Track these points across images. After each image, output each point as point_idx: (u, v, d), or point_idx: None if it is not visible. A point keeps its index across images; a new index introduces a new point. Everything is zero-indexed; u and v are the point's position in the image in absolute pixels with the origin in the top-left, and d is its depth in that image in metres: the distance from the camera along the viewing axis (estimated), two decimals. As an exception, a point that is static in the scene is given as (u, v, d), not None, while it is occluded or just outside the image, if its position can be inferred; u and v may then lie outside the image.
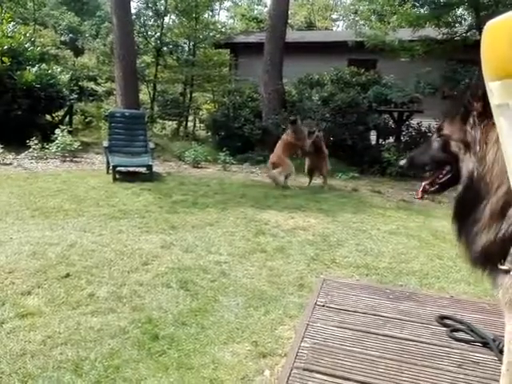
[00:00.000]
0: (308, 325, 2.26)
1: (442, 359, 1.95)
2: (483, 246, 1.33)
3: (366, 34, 11.19)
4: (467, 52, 8.31)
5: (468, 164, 1.38)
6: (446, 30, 10.44)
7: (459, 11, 11.19)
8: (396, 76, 10.01)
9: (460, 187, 1.44)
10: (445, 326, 2.23)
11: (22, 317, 2.62)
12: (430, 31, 10.57)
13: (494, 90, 0.96)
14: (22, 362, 2.20)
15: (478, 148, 1.33)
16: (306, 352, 2.01)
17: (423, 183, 1.68)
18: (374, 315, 2.37)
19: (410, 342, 2.10)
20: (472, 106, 1.34)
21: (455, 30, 10.66)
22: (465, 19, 11.37)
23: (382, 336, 2.16)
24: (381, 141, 9.91)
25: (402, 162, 1.76)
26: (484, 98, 1.14)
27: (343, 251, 4.14)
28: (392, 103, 9.43)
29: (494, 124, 1.07)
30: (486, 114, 1.27)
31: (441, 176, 1.58)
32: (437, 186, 1.61)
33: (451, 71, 9.99)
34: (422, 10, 11.24)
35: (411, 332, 2.20)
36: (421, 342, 2.09)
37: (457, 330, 2.17)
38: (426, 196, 1.83)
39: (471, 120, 1.36)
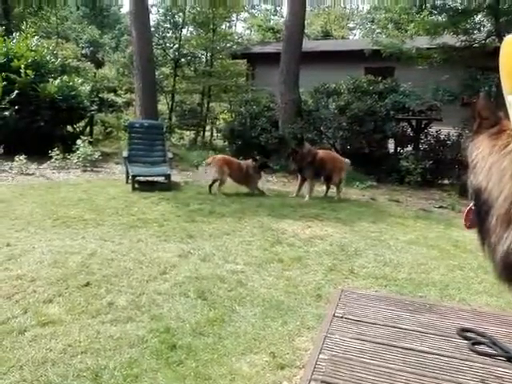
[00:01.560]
0: (326, 336, 2.24)
1: (464, 373, 1.90)
2: (501, 257, 1.32)
3: (382, 42, 11.16)
4: (486, 59, 8.19)
5: (469, 177, 1.38)
6: (464, 37, 10.33)
7: (478, 18, 11.07)
8: (414, 84, 9.92)
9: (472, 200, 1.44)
10: (466, 339, 2.18)
11: (44, 325, 2.67)
12: (448, 38, 10.47)
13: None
14: (44, 369, 2.24)
15: (470, 160, 1.34)
16: (324, 364, 1.99)
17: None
18: (394, 327, 2.34)
19: (431, 356, 2.05)
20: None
21: (474, 36, 10.54)
22: (484, 26, 11.24)
23: (402, 349, 2.12)
24: (399, 149, 9.81)
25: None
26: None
27: (361, 261, 4.10)
28: (410, 111, 9.35)
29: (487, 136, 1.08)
30: (477, 130, 1.29)
31: None
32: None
33: (470, 79, 9.87)
34: (439, 18, 11.17)
35: (432, 345, 2.15)
36: (442, 356, 2.05)
37: (479, 344, 2.12)
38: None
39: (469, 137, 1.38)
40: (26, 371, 2.22)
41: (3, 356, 2.34)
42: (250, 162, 7.28)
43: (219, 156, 7.43)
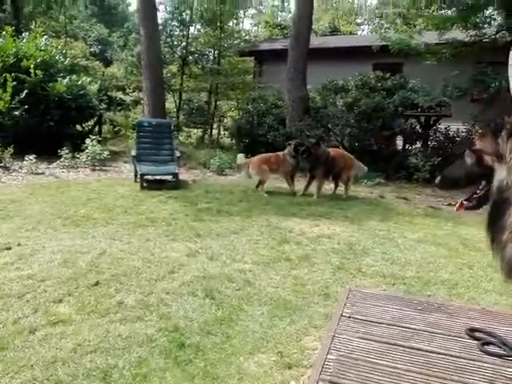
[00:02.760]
0: (334, 336, 2.24)
1: (473, 374, 1.89)
2: (510, 257, 1.33)
3: (390, 38, 11.06)
4: (497, 54, 8.09)
5: (500, 173, 1.44)
6: (474, 32, 10.19)
7: (488, 12, 10.91)
8: (423, 80, 9.83)
9: (492, 196, 1.49)
10: (475, 339, 2.17)
11: (54, 324, 2.71)
12: (458, 33, 10.34)
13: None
14: (54, 369, 2.27)
15: (508, 159, 1.38)
16: (331, 364, 1.99)
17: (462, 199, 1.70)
18: (402, 327, 2.33)
19: (439, 356, 2.05)
20: (504, 122, 1.42)
21: (484, 31, 10.39)
22: (494, 20, 11.08)
23: (410, 349, 2.11)
24: (407, 146, 9.74)
25: (437, 180, 1.75)
26: None
27: (369, 260, 4.09)
28: (419, 107, 9.26)
29: None
30: None
31: (478, 191, 1.61)
32: (474, 202, 1.64)
33: (480, 74, 9.73)
34: (448, 12, 11.03)
35: (440, 345, 2.14)
36: (450, 356, 2.04)
37: (488, 344, 2.11)
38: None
39: (504, 134, 1.42)
40: (36, 370, 2.25)
41: (15, 355, 2.37)
42: (286, 150, 7.32)
43: (254, 158, 7.40)
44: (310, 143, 7.19)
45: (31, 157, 8.22)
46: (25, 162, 8.23)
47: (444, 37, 10.13)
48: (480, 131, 1.58)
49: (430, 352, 2.08)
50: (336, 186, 7.47)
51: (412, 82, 9.90)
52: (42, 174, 8.22)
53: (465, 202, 1.67)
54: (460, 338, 2.20)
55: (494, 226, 1.47)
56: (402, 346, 2.14)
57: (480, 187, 1.59)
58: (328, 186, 7.59)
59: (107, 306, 2.98)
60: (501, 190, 1.43)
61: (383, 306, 2.60)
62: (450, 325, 2.34)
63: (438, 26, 10.33)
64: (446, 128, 9.45)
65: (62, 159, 8.81)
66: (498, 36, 9.93)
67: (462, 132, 9.10)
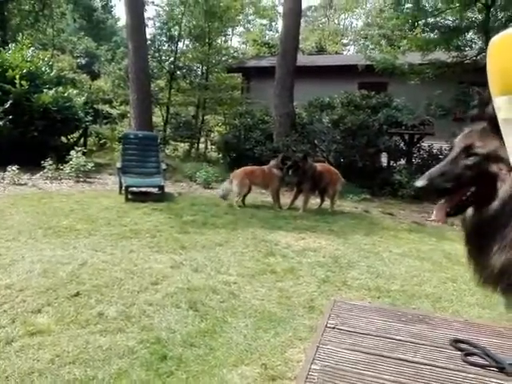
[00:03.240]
0: (318, 347, 2.21)
1: (457, 384, 1.89)
2: (504, 262, 1.30)
3: (375, 57, 11.32)
4: (478, 75, 8.31)
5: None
6: (456, 54, 10.51)
7: (469, 35, 11.29)
8: (407, 98, 10.05)
9: (496, 204, 1.34)
10: (459, 349, 2.17)
11: (32, 335, 2.62)
12: (440, 54, 10.65)
13: (501, 105, 0.96)
14: (30, 380, 2.19)
15: None
16: (316, 375, 1.96)
17: (438, 205, 1.51)
18: (387, 338, 2.32)
19: (425, 366, 2.04)
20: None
21: (465, 53, 10.72)
22: (475, 43, 11.45)
23: (396, 360, 2.10)
24: (392, 163, 9.88)
25: (420, 183, 1.44)
26: None
27: (354, 273, 4.09)
28: (403, 125, 9.44)
29: None
30: None
31: (464, 198, 1.44)
32: (457, 209, 1.47)
33: (462, 94, 10.00)
34: (431, 35, 11.36)
35: (425, 356, 2.14)
36: (436, 367, 2.03)
37: (471, 354, 2.11)
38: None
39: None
40: (11, 382, 2.16)
41: (-11, 366, 2.28)
42: (271, 162, 7.33)
43: (239, 170, 7.36)
44: (298, 157, 7.22)
45: (14, 167, 8.09)
46: (7, 173, 8.09)
47: (427, 57, 10.42)
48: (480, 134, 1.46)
49: (416, 363, 2.07)
50: (322, 200, 7.51)
51: (396, 101, 10.11)
52: (25, 184, 8.07)
53: (449, 209, 1.48)
54: (445, 348, 2.20)
55: (487, 235, 1.39)
56: (389, 357, 2.12)
57: (468, 193, 1.42)
58: (314, 201, 7.62)
59: (87, 317, 2.90)
60: (509, 199, 1.29)
61: (368, 317, 2.59)
62: (434, 336, 2.34)
63: (422, 48, 10.63)
64: (429, 146, 9.63)
65: (45, 170, 8.68)
66: (478, 58, 10.24)
67: (445, 150, 9.27)
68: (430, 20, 10.96)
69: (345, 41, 32.67)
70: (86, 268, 3.81)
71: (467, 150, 1.39)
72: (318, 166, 7.36)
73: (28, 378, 2.20)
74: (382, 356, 2.13)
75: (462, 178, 1.40)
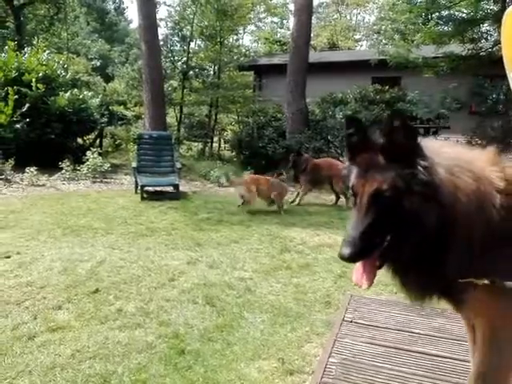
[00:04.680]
0: (336, 340, 2.21)
1: (478, 377, 1.86)
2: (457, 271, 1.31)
3: (389, 52, 11.20)
4: (494, 67, 8.19)
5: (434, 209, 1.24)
6: (471, 46, 10.34)
7: (484, 27, 11.09)
8: (421, 92, 9.92)
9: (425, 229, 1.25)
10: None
11: (53, 331, 2.68)
12: (455, 47, 10.48)
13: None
14: (52, 375, 2.24)
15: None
16: (334, 368, 1.96)
17: (358, 266, 1.36)
18: (405, 331, 2.31)
19: (443, 359, 2.02)
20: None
21: (480, 45, 10.54)
22: (490, 35, 11.25)
23: (414, 353, 2.09)
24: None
25: (347, 253, 1.30)
26: None
27: (371, 268, 4.05)
28: (418, 119, 9.34)
29: None
30: None
31: (386, 244, 1.30)
32: (383, 259, 1.34)
33: (478, 86, 9.84)
34: (445, 28, 11.20)
35: (444, 349, 2.12)
36: (454, 359, 2.02)
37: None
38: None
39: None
40: (34, 376, 2.21)
41: (13, 361, 2.34)
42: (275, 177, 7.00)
43: (246, 177, 7.25)
44: (293, 154, 7.55)
45: (32, 169, 8.23)
46: (26, 174, 8.24)
47: (441, 50, 10.26)
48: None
49: (435, 356, 2.06)
50: (337, 197, 7.47)
51: (410, 95, 9.99)
52: (43, 185, 8.21)
53: (377, 265, 1.32)
54: (463, 341, 2.18)
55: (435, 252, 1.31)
56: (407, 350, 2.11)
57: (387, 239, 1.29)
58: (329, 198, 7.59)
59: (106, 313, 2.94)
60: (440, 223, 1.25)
61: (386, 311, 2.58)
62: (452, 329, 2.32)
63: (436, 41, 10.49)
64: (445, 139, 9.49)
65: (62, 171, 8.82)
66: (494, 50, 10.06)
67: (462, 143, 9.14)
68: (444, 12, 10.80)
69: (357, 36, 32.38)
70: (104, 265, 3.87)
71: (376, 197, 1.28)
72: (318, 160, 7.61)
73: (50, 372, 2.25)
74: (401, 349, 2.13)
75: (381, 228, 1.28)
